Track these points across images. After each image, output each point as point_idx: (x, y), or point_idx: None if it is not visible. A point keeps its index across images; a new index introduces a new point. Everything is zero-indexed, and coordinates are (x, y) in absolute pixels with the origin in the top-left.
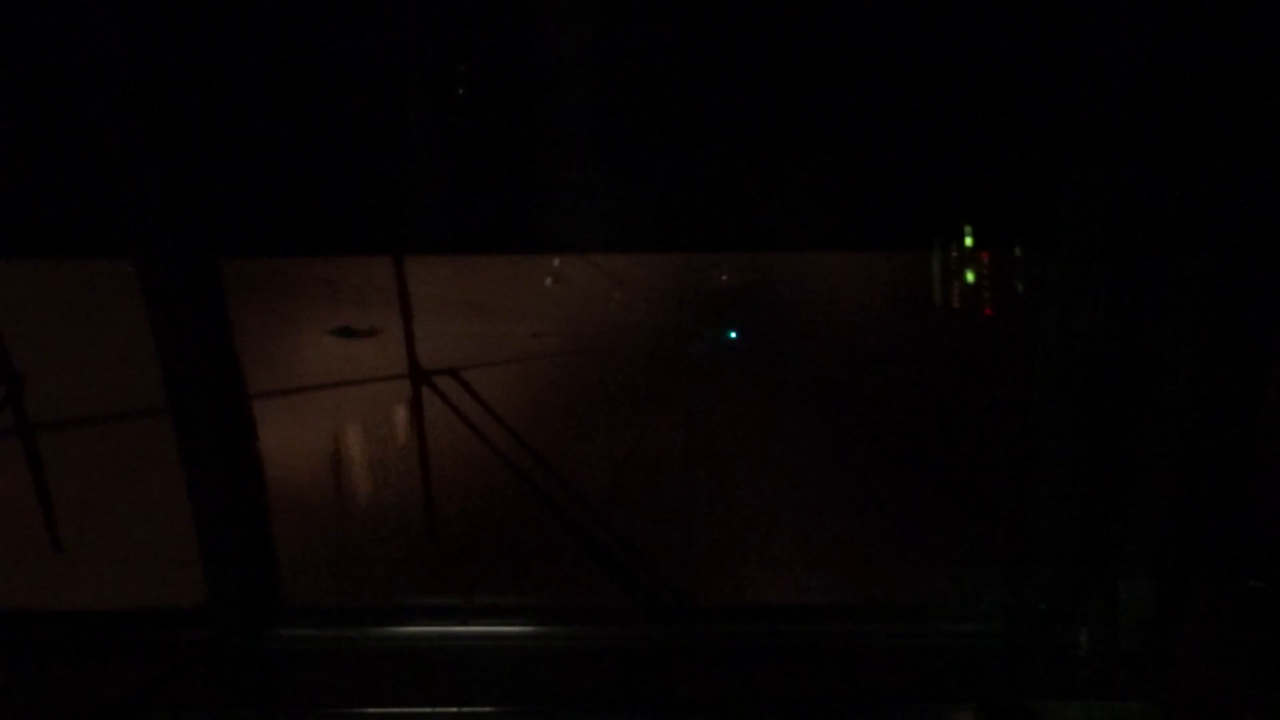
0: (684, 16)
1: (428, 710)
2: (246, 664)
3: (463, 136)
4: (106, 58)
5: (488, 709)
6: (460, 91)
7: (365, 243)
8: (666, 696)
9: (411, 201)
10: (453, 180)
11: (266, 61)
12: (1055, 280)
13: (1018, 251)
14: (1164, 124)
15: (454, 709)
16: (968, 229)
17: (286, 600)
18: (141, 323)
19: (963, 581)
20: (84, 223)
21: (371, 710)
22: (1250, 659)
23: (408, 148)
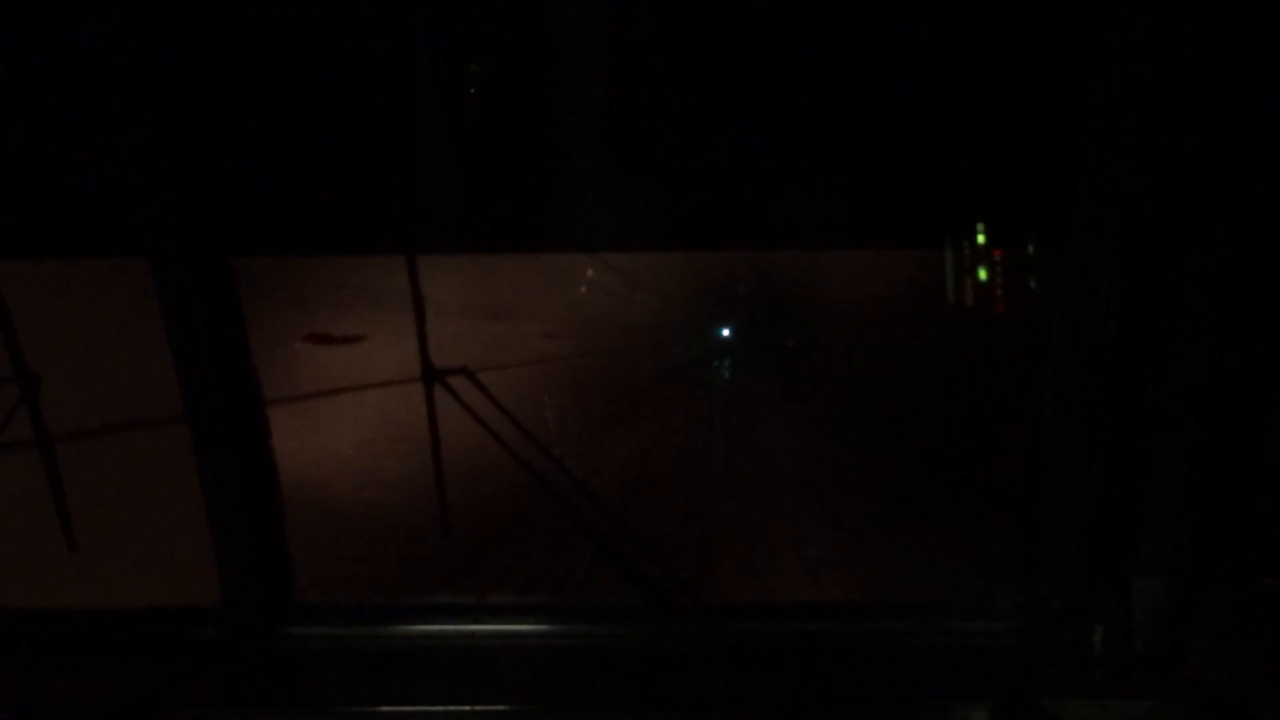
0: (696, 17)
1: (441, 709)
2: (260, 662)
3: (474, 136)
4: (119, 57)
5: (502, 708)
6: (472, 91)
7: (377, 242)
8: (680, 695)
9: (423, 200)
10: (465, 180)
11: (280, 61)
12: (1068, 277)
13: (1031, 249)
14: (1179, 121)
15: (468, 707)
16: (980, 227)
17: (300, 599)
18: (156, 323)
19: (977, 580)
20: (97, 222)
21: (385, 709)
22: (1265, 657)
23: (420, 148)
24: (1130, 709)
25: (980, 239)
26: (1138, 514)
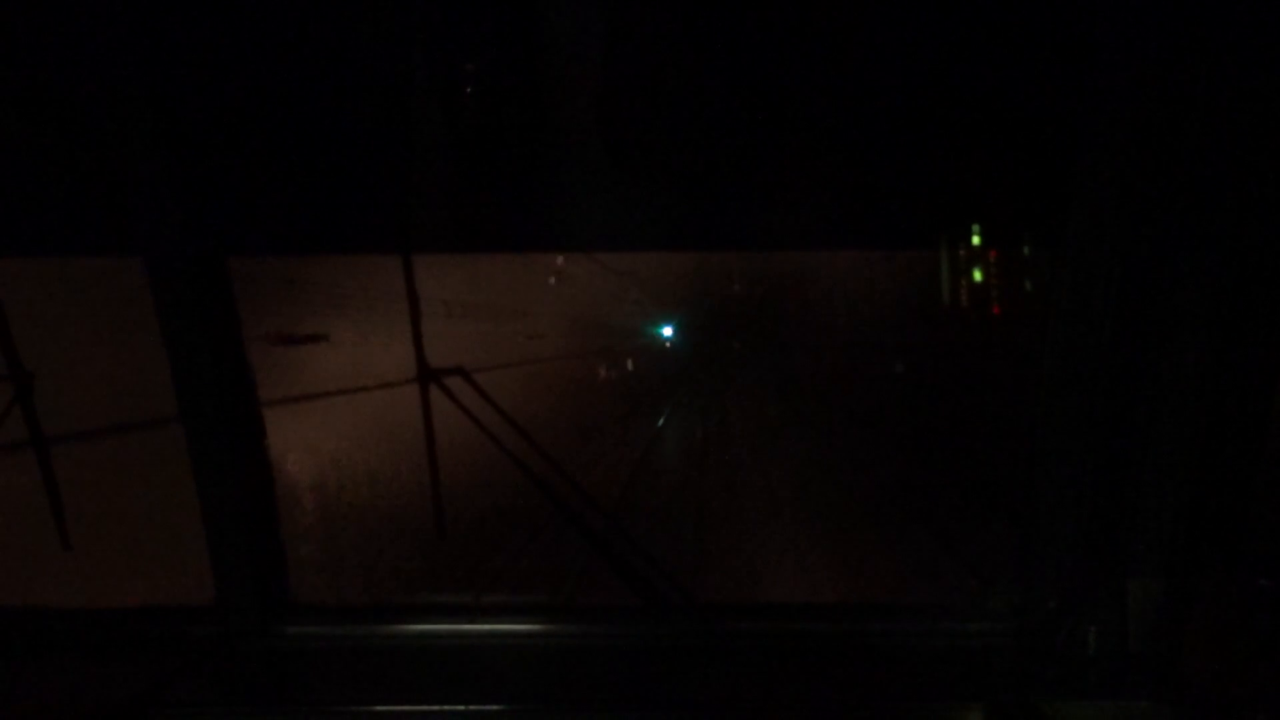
0: (694, 17)
1: (435, 708)
2: (256, 661)
3: (470, 135)
4: (117, 56)
5: (495, 707)
6: (468, 91)
7: (373, 241)
8: (673, 695)
9: (419, 200)
10: (460, 179)
11: (275, 61)
12: (1064, 279)
13: (1027, 250)
14: (1174, 123)
15: (462, 706)
16: (976, 228)
17: (295, 598)
18: (152, 323)
19: (972, 580)
20: (94, 221)
21: (379, 707)
22: (1258, 658)
23: (416, 147)
24: (1124, 709)
25: (975, 240)
26: (1132, 516)
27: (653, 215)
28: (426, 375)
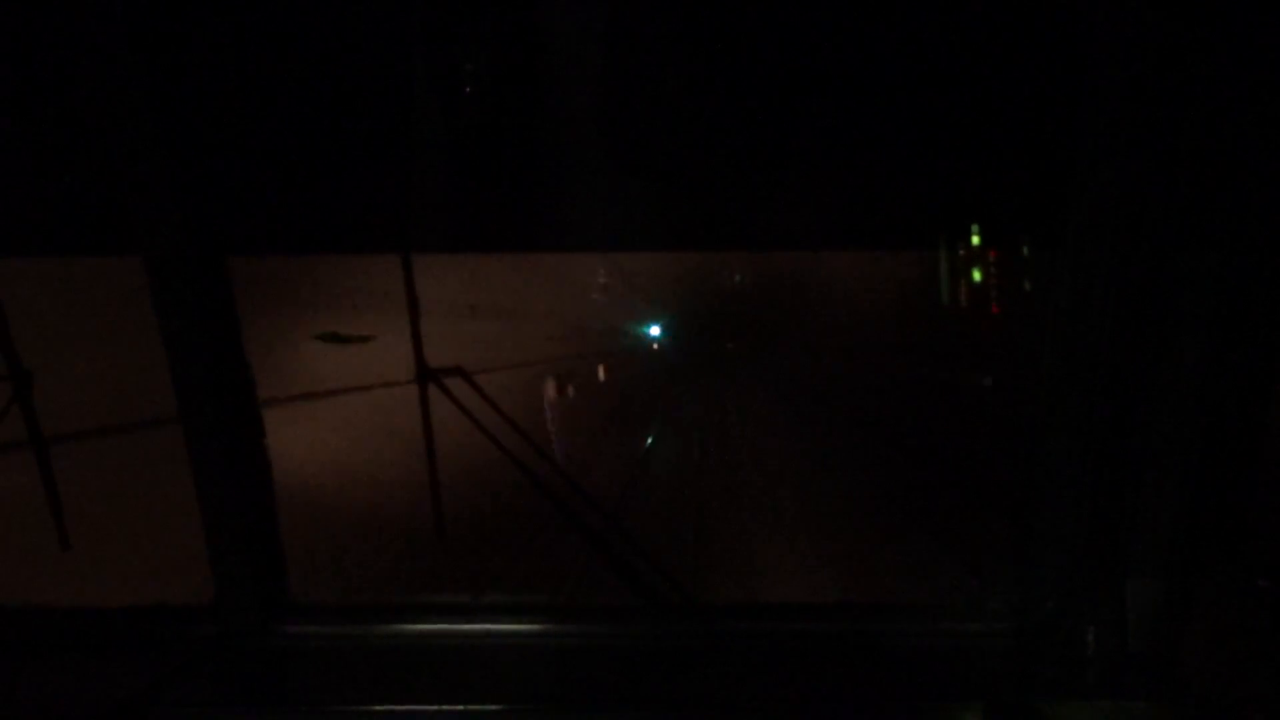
0: (695, 17)
1: (434, 708)
2: (254, 660)
3: (469, 135)
4: (116, 56)
5: (495, 707)
6: (467, 90)
7: (372, 241)
8: (672, 695)
9: (419, 200)
10: (460, 179)
11: (275, 60)
12: (1063, 279)
13: (1026, 251)
14: (1173, 123)
15: (460, 706)
16: (975, 228)
17: (294, 597)
18: (150, 323)
19: (972, 580)
20: (93, 221)
21: (378, 707)
22: (1257, 658)
23: (415, 147)
24: (1123, 710)
25: (975, 240)
26: (1131, 516)
27: (652, 215)
28: (426, 375)
